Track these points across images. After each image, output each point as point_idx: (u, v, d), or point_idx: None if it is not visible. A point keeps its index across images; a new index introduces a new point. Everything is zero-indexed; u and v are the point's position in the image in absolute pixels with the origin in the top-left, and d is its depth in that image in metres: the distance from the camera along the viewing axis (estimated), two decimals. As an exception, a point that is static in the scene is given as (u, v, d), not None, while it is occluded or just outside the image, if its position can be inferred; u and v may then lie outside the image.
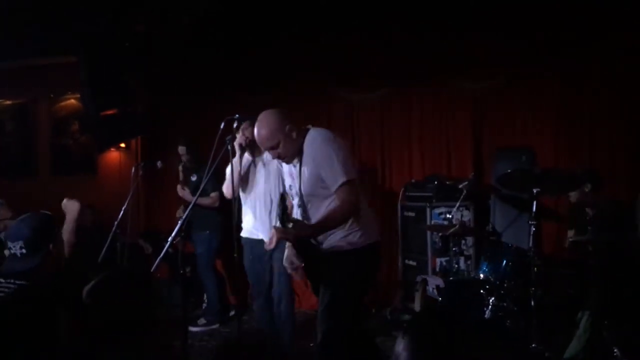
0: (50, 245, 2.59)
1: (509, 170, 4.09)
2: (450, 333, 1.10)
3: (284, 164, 3.19)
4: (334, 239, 3.08)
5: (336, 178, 2.93)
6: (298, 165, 3.08)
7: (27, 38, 6.00)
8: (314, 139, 3.02)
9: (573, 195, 4.50)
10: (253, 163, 4.06)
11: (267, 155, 3.92)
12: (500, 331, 4.00)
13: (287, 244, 3.24)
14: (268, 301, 4.21)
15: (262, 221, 4.09)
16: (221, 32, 5.91)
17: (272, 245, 2.89)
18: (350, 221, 3.04)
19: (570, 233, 4.76)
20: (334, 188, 2.95)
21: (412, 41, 5.88)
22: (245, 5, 5.41)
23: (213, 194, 5.25)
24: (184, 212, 5.50)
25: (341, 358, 3.06)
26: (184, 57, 6.30)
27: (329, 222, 2.98)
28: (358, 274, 3.10)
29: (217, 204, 5.27)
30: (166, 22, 5.70)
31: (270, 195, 4.06)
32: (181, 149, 5.65)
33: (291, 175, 3.16)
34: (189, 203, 5.24)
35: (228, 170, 3.95)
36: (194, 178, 5.56)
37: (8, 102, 7.51)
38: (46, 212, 2.76)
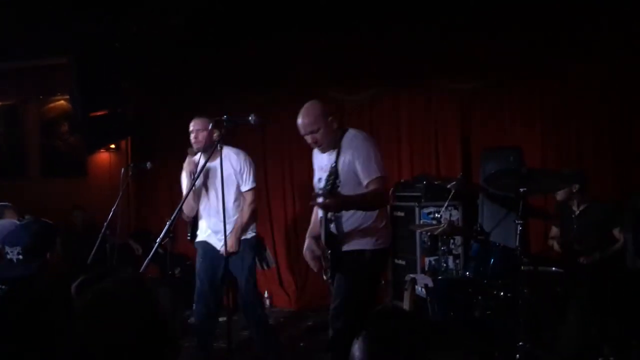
0: (48, 254, 2.55)
1: (495, 171, 4.12)
2: (409, 333, 1.09)
3: (315, 159, 3.43)
4: (349, 235, 3.21)
5: (371, 171, 3.13)
6: (334, 157, 3.22)
7: (17, 39, 5.99)
8: (356, 136, 3.25)
9: (560, 194, 4.55)
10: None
11: (213, 163, 4.02)
12: (488, 329, 4.03)
13: (308, 233, 3.42)
14: (207, 307, 4.20)
15: (215, 225, 4.14)
16: (212, 32, 5.91)
17: (232, 249, 2.99)
18: (371, 221, 3.20)
19: (555, 230, 4.80)
20: (366, 180, 3.13)
21: (401, 42, 5.92)
22: (234, 7, 5.42)
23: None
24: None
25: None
26: (174, 57, 6.31)
27: (360, 199, 3.14)
28: (371, 275, 3.26)
29: None
30: (157, 23, 5.70)
31: (218, 199, 4.05)
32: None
33: (322, 169, 3.33)
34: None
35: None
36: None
37: (-3, 104, 7.49)
38: (47, 220, 2.74)
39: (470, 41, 5.71)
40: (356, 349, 1.10)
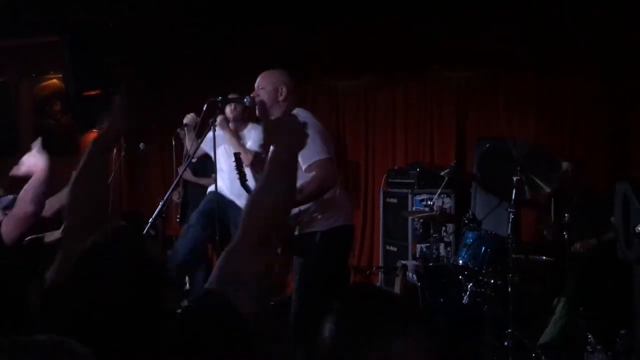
0: None
1: (488, 145, 4.10)
2: (378, 313, 1.08)
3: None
4: (304, 219, 3.09)
5: (309, 156, 2.94)
6: None
7: (9, 16, 5.91)
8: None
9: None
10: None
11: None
12: (478, 316, 4.06)
13: None
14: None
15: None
16: (207, 16, 5.85)
17: None
18: (321, 202, 3.05)
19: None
20: (305, 165, 2.96)
21: (398, 29, 5.88)
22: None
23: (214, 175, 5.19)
24: (179, 196, 5.52)
25: (311, 342, 3.08)
26: (169, 39, 6.25)
27: (299, 195, 2.93)
28: (325, 257, 3.10)
29: None
30: (152, 5, 5.64)
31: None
32: (182, 133, 5.64)
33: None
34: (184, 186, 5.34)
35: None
36: (194, 159, 5.50)
37: (-11, 81, 7.40)
38: None
39: (466, 30, 5.69)
40: (325, 328, 1.08)
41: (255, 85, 3.20)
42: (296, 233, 3.12)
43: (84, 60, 6.01)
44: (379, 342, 1.00)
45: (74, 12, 5.75)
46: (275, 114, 3.16)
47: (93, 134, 7.02)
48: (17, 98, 7.32)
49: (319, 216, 3.07)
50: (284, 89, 3.15)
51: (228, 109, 4.22)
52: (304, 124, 1.90)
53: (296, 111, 3.11)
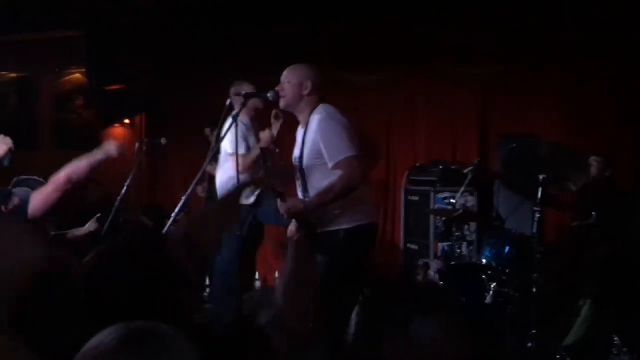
0: None
1: (514, 145, 4.05)
2: (405, 300, 1.08)
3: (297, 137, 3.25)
4: (323, 216, 3.06)
5: (336, 153, 2.95)
6: (303, 133, 3.12)
7: (33, 11, 5.96)
8: (320, 113, 3.08)
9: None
10: None
11: None
12: (501, 317, 4.00)
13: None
14: None
15: None
16: (227, 10, 5.85)
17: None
18: (345, 200, 3.02)
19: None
20: (332, 162, 2.96)
21: (418, 24, 5.83)
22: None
23: None
24: (204, 190, 5.53)
25: (330, 340, 3.06)
26: (190, 32, 6.25)
27: (326, 195, 2.98)
28: (350, 256, 3.08)
29: None
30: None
31: None
32: (207, 130, 5.66)
33: (297, 147, 3.22)
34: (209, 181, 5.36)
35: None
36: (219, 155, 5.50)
37: (12, 75, 7.46)
38: None
39: (488, 25, 5.62)
40: (354, 315, 1.09)
41: (282, 78, 3.17)
42: (319, 230, 3.08)
43: (105, 55, 6.05)
44: (405, 330, 0.99)
45: (95, 6, 5.78)
46: (300, 108, 3.14)
47: (115, 129, 7.08)
48: (39, 92, 7.39)
49: (343, 214, 3.04)
50: (309, 84, 3.12)
51: (259, 103, 4.18)
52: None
53: (321, 107, 3.10)
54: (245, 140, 4.18)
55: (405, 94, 6.24)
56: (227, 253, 4.27)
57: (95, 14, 5.91)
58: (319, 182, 3.04)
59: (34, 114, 7.37)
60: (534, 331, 3.68)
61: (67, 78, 7.21)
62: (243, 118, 4.20)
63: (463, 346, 1.01)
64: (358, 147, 3.05)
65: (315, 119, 3.08)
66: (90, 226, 3.92)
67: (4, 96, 7.48)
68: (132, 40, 6.19)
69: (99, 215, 3.98)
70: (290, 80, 3.14)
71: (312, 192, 3.09)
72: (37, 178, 4.01)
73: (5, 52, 7.25)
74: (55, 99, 7.27)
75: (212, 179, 5.45)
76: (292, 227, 3.24)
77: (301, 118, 3.20)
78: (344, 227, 3.04)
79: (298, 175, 3.17)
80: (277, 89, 3.18)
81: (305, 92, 3.12)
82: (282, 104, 3.20)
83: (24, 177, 4.04)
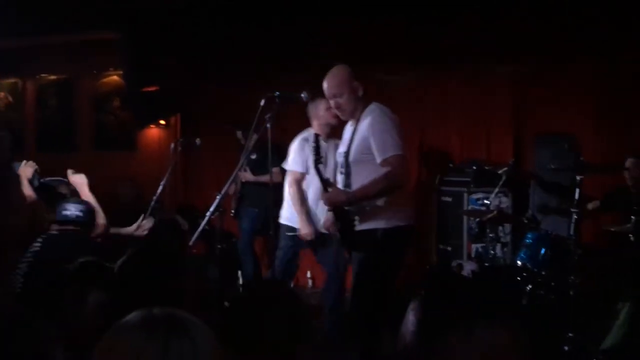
0: None
1: (547, 142, 3.98)
2: (463, 297, 1.10)
3: (344, 132, 3.30)
4: (362, 214, 3.09)
5: (386, 149, 2.99)
6: (353, 129, 3.14)
7: (71, 13, 6.09)
8: (374, 110, 3.13)
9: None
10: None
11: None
12: (537, 319, 3.94)
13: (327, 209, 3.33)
14: None
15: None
16: (259, 9, 5.88)
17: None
18: (385, 200, 3.04)
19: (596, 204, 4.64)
20: (380, 158, 2.99)
21: (451, 21, 5.76)
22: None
23: (275, 169, 5.18)
24: (236, 189, 5.60)
25: (366, 337, 3.06)
26: (225, 33, 6.30)
27: (370, 189, 3.01)
28: (384, 255, 3.09)
29: (279, 179, 5.18)
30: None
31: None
32: (238, 133, 5.73)
33: (344, 142, 3.25)
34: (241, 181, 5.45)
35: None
36: (253, 156, 5.55)
37: (52, 77, 7.64)
38: None
39: (522, 21, 5.53)
40: (410, 310, 1.10)
41: (328, 92, 3.20)
42: (357, 228, 3.09)
43: (142, 57, 6.15)
44: (461, 327, 1.00)
45: (133, 8, 5.89)
46: (357, 112, 3.18)
47: (150, 129, 7.20)
48: (78, 94, 7.55)
49: (381, 213, 3.05)
50: (357, 84, 3.18)
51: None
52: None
53: (374, 105, 3.16)
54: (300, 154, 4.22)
55: (438, 93, 6.18)
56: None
57: (132, 15, 6.01)
58: (363, 177, 3.07)
59: (72, 115, 7.54)
60: (570, 334, 3.62)
61: (105, 80, 7.35)
62: (307, 133, 4.24)
63: (521, 346, 1.02)
64: (404, 146, 3.10)
65: (368, 116, 3.10)
66: (134, 227, 4.03)
67: (44, 98, 7.68)
68: (168, 41, 6.28)
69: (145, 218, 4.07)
70: (342, 92, 3.16)
71: (355, 187, 3.10)
72: (61, 179, 4.13)
73: (45, 55, 7.44)
74: (94, 101, 7.42)
75: (243, 182, 5.53)
76: (328, 219, 3.26)
77: (350, 116, 3.23)
78: (382, 226, 3.06)
79: (342, 170, 3.20)
80: (333, 105, 3.25)
81: (360, 94, 3.18)
82: (344, 118, 3.27)
83: (48, 178, 4.16)
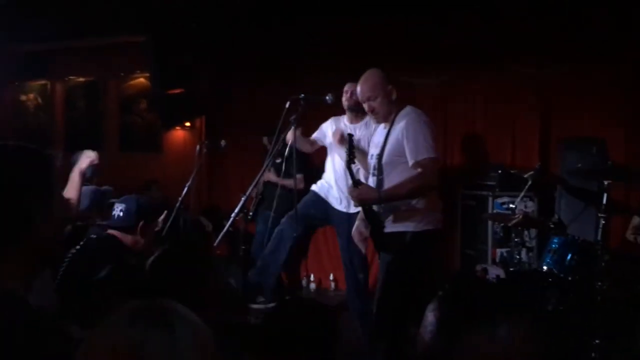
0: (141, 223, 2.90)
1: (579, 166, 3.95)
2: (483, 298, 1.09)
3: (374, 133, 3.32)
4: (392, 216, 3.10)
5: (419, 151, 3.00)
6: (386, 132, 3.14)
7: (99, 17, 6.19)
8: (409, 113, 3.15)
9: None
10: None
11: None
12: (562, 325, 3.89)
13: (359, 214, 3.34)
14: None
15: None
16: (285, 11, 5.91)
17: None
18: (415, 202, 3.05)
19: (637, 220, 4.56)
20: (413, 160, 3.01)
21: (476, 24, 5.72)
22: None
23: (298, 175, 5.21)
24: (257, 192, 5.63)
25: (392, 340, 3.06)
26: (249, 36, 6.35)
27: (401, 189, 3.03)
28: (412, 259, 3.10)
29: (301, 186, 5.17)
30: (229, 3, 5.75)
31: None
32: (264, 139, 5.77)
33: (375, 145, 3.26)
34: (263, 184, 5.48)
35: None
36: (278, 160, 5.58)
37: (80, 80, 7.79)
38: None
39: (550, 23, 5.47)
40: (429, 310, 1.10)
41: (361, 95, 3.23)
42: (386, 230, 3.10)
43: (168, 60, 6.22)
44: (483, 327, 1.00)
45: (159, 12, 5.96)
46: (391, 115, 3.19)
47: (175, 131, 7.28)
48: (105, 96, 7.67)
49: (411, 216, 3.07)
50: (390, 88, 3.19)
51: (343, 98, 4.23)
52: None
53: (409, 108, 3.18)
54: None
55: (461, 95, 6.13)
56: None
57: (158, 19, 6.09)
58: (395, 179, 3.08)
59: (100, 116, 7.66)
60: (597, 341, 3.57)
61: (131, 82, 7.46)
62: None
63: (541, 346, 1.01)
64: (438, 150, 3.12)
65: (402, 119, 3.12)
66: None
67: (72, 100, 7.81)
68: (193, 44, 6.34)
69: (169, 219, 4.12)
70: (376, 95, 3.18)
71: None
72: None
73: (73, 58, 7.58)
74: (120, 103, 7.53)
75: (264, 184, 5.55)
76: (358, 225, 3.27)
77: (387, 120, 3.24)
78: (411, 229, 3.07)
79: (374, 172, 3.21)
80: (367, 109, 3.25)
81: (394, 98, 3.19)
82: (378, 121, 3.28)
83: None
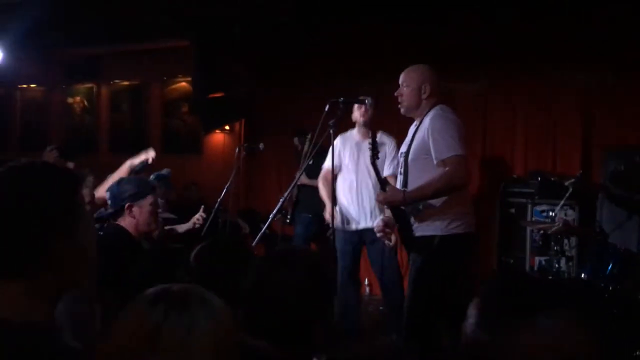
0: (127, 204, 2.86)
1: (618, 154, 3.87)
2: (526, 291, 1.09)
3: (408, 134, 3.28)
4: (421, 219, 3.05)
5: (444, 149, 2.95)
6: (415, 129, 3.14)
7: (144, 23, 6.36)
8: (437, 111, 3.11)
9: None
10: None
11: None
12: (603, 336, 3.81)
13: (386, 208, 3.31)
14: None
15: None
16: (321, 16, 5.95)
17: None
18: (440, 202, 3.00)
19: None
20: (438, 158, 2.95)
21: (516, 28, 5.65)
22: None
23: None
24: (292, 196, 5.66)
25: (422, 346, 3.02)
26: (287, 40, 6.41)
27: (427, 189, 2.97)
28: (441, 263, 3.03)
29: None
30: (269, 7, 5.83)
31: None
32: (295, 140, 5.83)
33: (405, 143, 3.23)
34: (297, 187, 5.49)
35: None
36: (310, 162, 5.64)
37: (124, 83, 7.98)
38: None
39: (594, 27, 5.36)
40: (472, 304, 1.11)
41: (400, 81, 3.22)
42: (416, 234, 3.08)
43: (209, 64, 6.34)
44: (524, 319, 1.00)
45: (201, 18, 6.09)
46: (418, 112, 3.16)
47: (215, 134, 7.40)
48: (148, 99, 7.85)
49: (440, 220, 3.02)
50: (428, 87, 3.15)
51: (358, 113, 4.28)
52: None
53: (438, 108, 3.12)
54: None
55: (501, 101, 6.07)
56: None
57: (200, 24, 6.22)
58: (421, 178, 3.03)
59: (143, 119, 7.84)
60: (638, 352, 3.48)
61: (174, 86, 7.62)
62: (347, 133, 4.37)
63: (587, 343, 1.01)
64: (466, 148, 3.04)
65: (428, 116, 3.10)
66: (187, 225, 4.14)
67: (117, 102, 8.02)
68: (233, 49, 6.45)
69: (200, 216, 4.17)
70: (409, 84, 3.17)
71: (412, 187, 3.09)
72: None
73: (118, 62, 7.79)
74: (163, 106, 7.70)
75: (298, 187, 5.58)
76: (380, 222, 3.24)
77: (417, 117, 3.23)
78: (439, 233, 3.02)
79: (401, 170, 3.20)
80: (396, 93, 3.23)
81: (424, 96, 3.16)
82: (402, 110, 3.24)
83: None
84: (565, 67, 5.65)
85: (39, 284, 1.13)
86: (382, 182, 3.07)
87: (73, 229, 1.17)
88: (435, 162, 2.98)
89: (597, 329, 1.07)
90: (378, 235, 3.26)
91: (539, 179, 5.36)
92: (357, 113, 4.33)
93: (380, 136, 4.17)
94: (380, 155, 3.54)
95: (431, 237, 3.03)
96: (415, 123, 3.21)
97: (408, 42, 6.05)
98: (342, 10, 5.80)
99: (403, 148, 3.23)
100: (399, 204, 3.04)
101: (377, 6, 5.68)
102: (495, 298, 1.09)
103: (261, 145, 5.50)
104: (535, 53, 5.68)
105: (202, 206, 4.24)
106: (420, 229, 3.06)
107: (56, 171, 1.23)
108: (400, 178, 3.19)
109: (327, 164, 4.44)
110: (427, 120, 3.08)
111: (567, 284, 4.12)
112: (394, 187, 3.11)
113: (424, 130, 3.06)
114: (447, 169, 2.93)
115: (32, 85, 8.46)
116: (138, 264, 2.62)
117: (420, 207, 3.05)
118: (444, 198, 3.01)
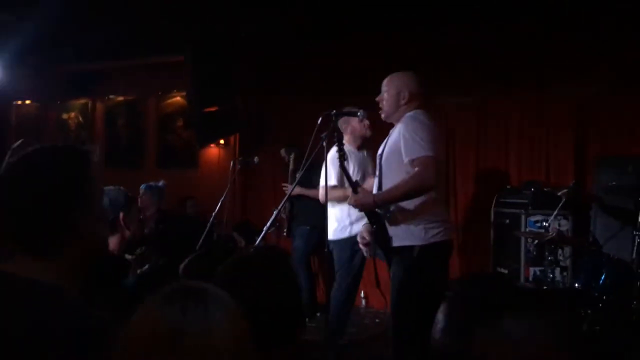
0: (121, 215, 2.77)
1: (610, 165, 3.90)
2: (491, 297, 1.12)
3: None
4: (397, 229, 3.02)
5: (414, 149, 2.92)
6: (391, 133, 3.16)
7: (139, 39, 6.41)
8: (411, 114, 3.10)
9: None
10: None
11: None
12: (597, 345, 3.82)
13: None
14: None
15: None
16: (320, 31, 6.01)
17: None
18: (420, 214, 2.98)
19: None
20: (408, 158, 2.94)
21: (510, 42, 5.72)
22: (345, 5, 5.49)
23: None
24: (285, 210, 5.66)
25: (410, 356, 2.99)
26: (283, 56, 6.47)
27: (396, 191, 2.95)
28: (423, 275, 2.97)
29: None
30: (269, 22, 5.88)
31: None
32: (282, 151, 5.85)
33: (382, 145, 3.25)
34: (290, 201, 5.47)
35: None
36: (298, 175, 5.65)
37: (120, 99, 8.03)
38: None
39: (584, 42, 5.43)
40: (440, 312, 1.13)
41: (382, 87, 3.25)
42: (394, 244, 3.04)
43: (204, 79, 6.38)
44: (487, 320, 1.02)
45: (197, 34, 6.14)
46: (396, 117, 3.18)
47: (210, 149, 7.43)
48: (144, 114, 7.89)
49: (417, 229, 2.99)
50: (407, 93, 3.15)
51: (360, 125, 4.36)
52: None
53: (414, 112, 3.12)
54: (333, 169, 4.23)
55: (495, 112, 6.11)
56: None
57: (195, 41, 6.27)
58: (394, 180, 3.01)
59: (139, 134, 7.87)
60: (633, 362, 3.50)
61: (169, 101, 7.66)
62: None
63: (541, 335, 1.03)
64: (438, 151, 3.01)
65: (402, 119, 3.11)
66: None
67: (112, 117, 8.06)
68: (228, 64, 6.49)
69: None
70: (388, 90, 3.19)
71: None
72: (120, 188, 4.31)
73: (113, 77, 7.83)
74: (158, 120, 7.74)
75: (292, 199, 5.57)
76: (363, 229, 3.22)
77: (395, 122, 3.24)
78: (418, 243, 2.98)
79: (377, 172, 3.21)
80: (377, 98, 3.26)
81: (403, 102, 3.16)
82: (382, 115, 3.25)
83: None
84: (557, 80, 5.71)
85: (63, 261, 1.18)
86: (353, 185, 3.07)
87: (91, 202, 1.23)
88: (405, 161, 2.96)
89: (561, 332, 1.08)
90: (360, 245, 3.23)
91: (533, 189, 5.39)
92: (359, 126, 4.36)
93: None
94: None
95: (410, 248, 2.99)
96: (394, 128, 3.22)
97: (403, 57, 6.09)
98: (338, 27, 5.86)
99: (379, 150, 3.24)
100: (369, 207, 3.03)
101: (371, 23, 5.75)
102: (460, 305, 1.11)
103: (256, 159, 5.53)
104: (528, 67, 5.75)
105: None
106: (398, 239, 3.02)
107: (66, 149, 1.28)
108: (376, 180, 3.20)
109: (323, 182, 4.44)
110: (401, 123, 3.09)
111: (532, 290, 4.14)
112: (365, 190, 3.09)
113: (397, 133, 3.06)
114: (415, 169, 2.91)
115: (27, 101, 8.50)
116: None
117: (392, 209, 3.01)
118: (415, 201, 2.99)
